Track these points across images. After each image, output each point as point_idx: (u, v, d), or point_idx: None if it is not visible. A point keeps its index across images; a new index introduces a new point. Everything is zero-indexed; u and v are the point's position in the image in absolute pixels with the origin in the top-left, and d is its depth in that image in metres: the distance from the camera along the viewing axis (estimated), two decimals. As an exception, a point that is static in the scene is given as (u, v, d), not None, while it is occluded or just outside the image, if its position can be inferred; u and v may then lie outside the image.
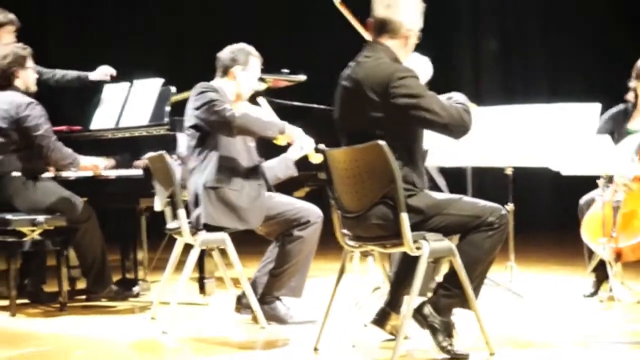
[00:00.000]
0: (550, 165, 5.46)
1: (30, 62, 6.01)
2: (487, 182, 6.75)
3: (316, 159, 5.38)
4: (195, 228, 5.21)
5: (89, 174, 6.12)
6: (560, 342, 4.63)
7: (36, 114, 5.83)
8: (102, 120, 6.55)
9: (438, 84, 5.96)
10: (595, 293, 5.92)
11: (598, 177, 5.82)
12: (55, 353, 4.77)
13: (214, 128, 5.19)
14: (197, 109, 5.23)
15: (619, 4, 10.21)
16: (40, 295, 6.20)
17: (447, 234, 4.29)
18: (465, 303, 4.29)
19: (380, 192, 4.20)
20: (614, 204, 5.62)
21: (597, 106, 5.30)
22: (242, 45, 5.44)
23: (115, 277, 6.36)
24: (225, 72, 5.40)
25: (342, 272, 4.57)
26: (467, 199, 4.39)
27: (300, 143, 5.38)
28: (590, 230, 5.81)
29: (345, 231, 4.49)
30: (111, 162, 6.18)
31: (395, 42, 4.39)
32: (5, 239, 5.79)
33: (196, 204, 5.23)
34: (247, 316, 5.33)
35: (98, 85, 6.72)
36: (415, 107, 4.18)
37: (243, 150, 5.30)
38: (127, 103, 6.44)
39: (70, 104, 6.78)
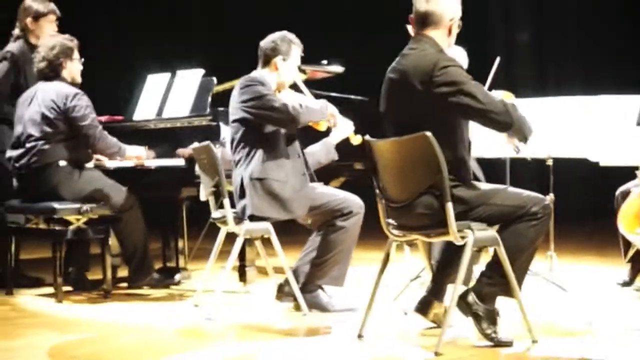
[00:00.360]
0: (589, 156, 5.51)
1: (76, 54, 6.10)
2: (523, 172, 6.76)
3: (356, 140, 5.48)
4: (239, 218, 5.29)
5: (131, 163, 6.22)
6: (599, 331, 4.71)
7: (83, 104, 5.93)
8: (144, 110, 6.65)
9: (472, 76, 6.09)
10: (631, 282, 5.98)
11: (636, 168, 5.90)
12: (103, 339, 4.87)
13: (275, 123, 5.28)
14: (245, 102, 5.30)
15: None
16: (84, 283, 6.29)
17: (492, 224, 4.36)
18: (508, 291, 4.36)
19: (426, 183, 4.27)
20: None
21: (637, 98, 5.35)
22: (284, 34, 5.49)
23: (157, 265, 6.46)
24: (267, 62, 5.46)
25: (386, 261, 4.63)
26: (511, 189, 4.45)
27: (338, 121, 5.49)
28: (626, 221, 5.84)
29: (390, 220, 4.57)
30: (151, 153, 6.27)
31: (438, 33, 4.47)
32: (51, 226, 5.90)
33: (241, 195, 5.31)
34: (288, 304, 5.42)
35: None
36: (456, 93, 4.26)
37: (287, 142, 5.37)
38: (169, 94, 6.53)
39: (111, 94, 6.84)
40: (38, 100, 5.96)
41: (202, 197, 5.52)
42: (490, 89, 5.58)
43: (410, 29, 5.50)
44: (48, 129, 5.91)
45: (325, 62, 6.66)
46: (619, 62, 10.13)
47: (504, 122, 4.34)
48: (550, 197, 5.71)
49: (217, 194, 5.39)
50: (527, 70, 10.84)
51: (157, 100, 6.57)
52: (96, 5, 10.96)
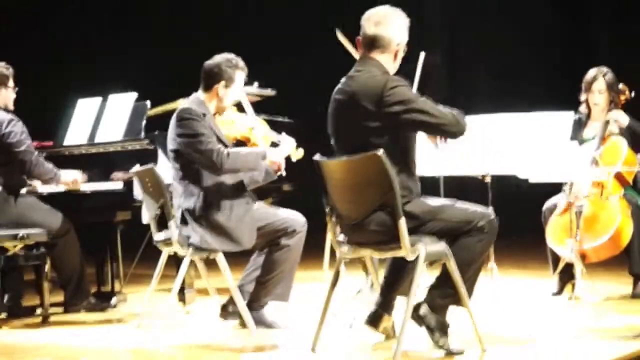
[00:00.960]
0: (518, 174, 5.75)
1: (11, 82, 6.12)
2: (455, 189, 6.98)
3: (297, 155, 5.68)
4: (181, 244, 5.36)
5: (64, 188, 6.24)
6: (540, 338, 4.95)
7: (18, 130, 5.95)
8: (75, 135, 6.67)
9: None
10: (559, 293, 6.25)
11: (562, 184, 6.19)
12: None
13: (199, 165, 5.32)
14: (179, 136, 5.33)
15: (564, 19, 10.72)
16: (19, 309, 6.26)
17: (441, 238, 4.54)
18: (459, 302, 4.56)
19: (379, 201, 4.44)
20: (576, 208, 5.98)
21: (569, 114, 5.63)
22: (229, 58, 5.51)
23: (91, 290, 6.48)
24: (209, 87, 5.49)
25: (336, 277, 4.79)
26: (460, 204, 4.64)
27: (281, 164, 5.65)
28: (554, 235, 6.14)
29: (340, 238, 4.73)
30: (85, 176, 6.31)
31: (385, 57, 4.65)
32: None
33: (183, 222, 5.36)
34: (232, 322, 5.53)
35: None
36: (408, 111, 4.44)
37: None
38: (101, 118, 6.57)
39: (39, 120, 6.81)
40: None
41: (145, 220, 5.57)
42: (419, 87, 5.79)
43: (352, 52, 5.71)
44: None
45: (256, 84, 6.78)
46: (530, 84, 10.53)
47: (457, 132, 4.55)
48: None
49: (163, 217, 5.45)
50: (438, 93, 11.13)
51: (89, 125, 6.60)
52: (23, 29, 10.94)
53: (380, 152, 4.33)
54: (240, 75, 5.54)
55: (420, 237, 4.47)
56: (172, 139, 5.43)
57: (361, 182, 4.48)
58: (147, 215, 5.53)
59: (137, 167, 5.72)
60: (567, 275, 6.18)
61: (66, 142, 6.69)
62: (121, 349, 5.17)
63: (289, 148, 5.67)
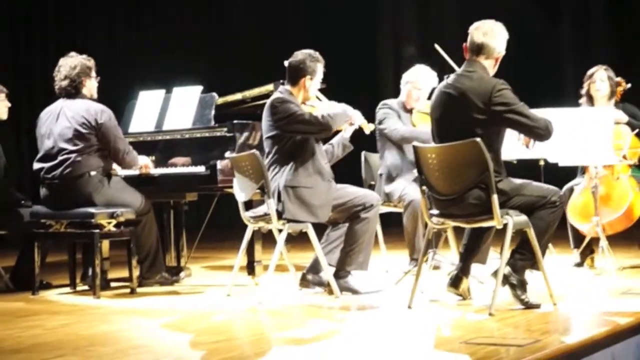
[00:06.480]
0: (549, 158, 7.20)
1: (94, 72, 7.26)
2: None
3: (369, 128, 6.99)
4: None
5: (138, 172, 7.47)
6: (585, 295, 6.50)
7: (111, 120, 7.11)
8: (141, 124, 7.86)
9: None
10: (581, 264, 7.76)
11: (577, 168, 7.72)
12: (190, 320, 6.02)
13: (309, 133, 6.61)
14: (279, 120, 6.60)
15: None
16: (104, 282, 7.37)
17: (522, 211, 5.94)
18: (535, 264, 5.97)
19: (476, 179, 5.80)
20: (592, 189, 7.50)
21: (609, 110, 7.14)
22: (310, 53, 6.79)
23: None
24: (295, 81, 6.77)
25: (428, 245, 6.17)
26: (535, 183, 6.03)
27: (354, 119, 6.93)
28: (576, 214, 7.63)
29: (432, 211, 6.09)
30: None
31: (488, 62, 6.00)
32: (87, 230, 7.01)
33: (279, 199, 6.61)
34: (312, 290, 6.85)
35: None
36: (511, 112, 5.81)
37: (313, 151, 6.71)
38: (167, 108, 7.78)
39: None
40: (67, 116, 7.08)
41: (240, 199, 6.78)
42: None
43: None
44: (81, 143, 7.02)
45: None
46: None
47: (545, 136, 5.93)
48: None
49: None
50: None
51: (154, 115, 7.80)
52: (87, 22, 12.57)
53: (478, 139, 5.71)
54: (321, 67, 6.82)
55: (508, 210, 5.87)
56: (268, 127, 6.68)
57: (462, 164, 5.82)
58: (242, 195, 6.75)
59: (228, 153, 6.99)
60: (587, 249, 7.69)
61: (131, 130, 7.88)
62: (237, 310, 6.35)
63: (359, 123, 6.96)
